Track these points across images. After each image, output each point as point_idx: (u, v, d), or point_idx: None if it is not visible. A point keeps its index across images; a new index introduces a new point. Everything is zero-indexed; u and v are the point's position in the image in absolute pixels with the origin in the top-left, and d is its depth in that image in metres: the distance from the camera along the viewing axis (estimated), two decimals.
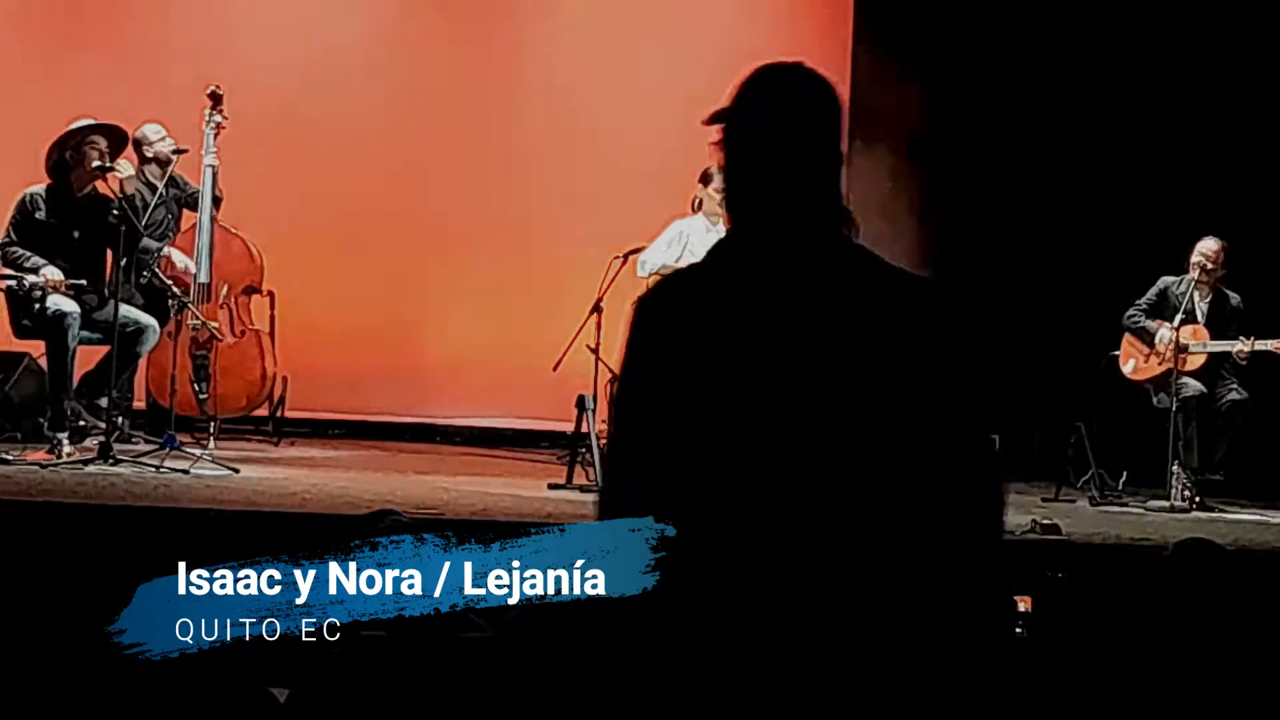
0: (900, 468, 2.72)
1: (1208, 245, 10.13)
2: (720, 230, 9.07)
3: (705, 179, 9.16)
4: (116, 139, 9.25)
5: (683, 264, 9.07)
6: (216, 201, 10.02)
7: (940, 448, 2.77)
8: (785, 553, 2.73)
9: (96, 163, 9.07)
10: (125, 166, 9.31)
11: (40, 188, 9.21)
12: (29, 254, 9.07)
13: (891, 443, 2.72)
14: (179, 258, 9.88)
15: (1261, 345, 9.94)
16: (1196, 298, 10.18)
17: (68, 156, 9.16)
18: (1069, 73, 12.07)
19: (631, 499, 2.84)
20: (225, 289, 10.14)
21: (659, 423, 2.77)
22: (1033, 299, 12.10)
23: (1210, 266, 10.10)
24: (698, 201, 9.18)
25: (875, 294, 2.78)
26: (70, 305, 8.96)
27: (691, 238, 9.12)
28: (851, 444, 2.71)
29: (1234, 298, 10.23)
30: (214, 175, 9.95)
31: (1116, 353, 10.38)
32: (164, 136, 9.80)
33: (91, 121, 9.24)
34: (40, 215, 9.16)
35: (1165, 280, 10.27)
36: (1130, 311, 10.30)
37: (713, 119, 2.89)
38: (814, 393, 2.72)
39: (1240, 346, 9.97)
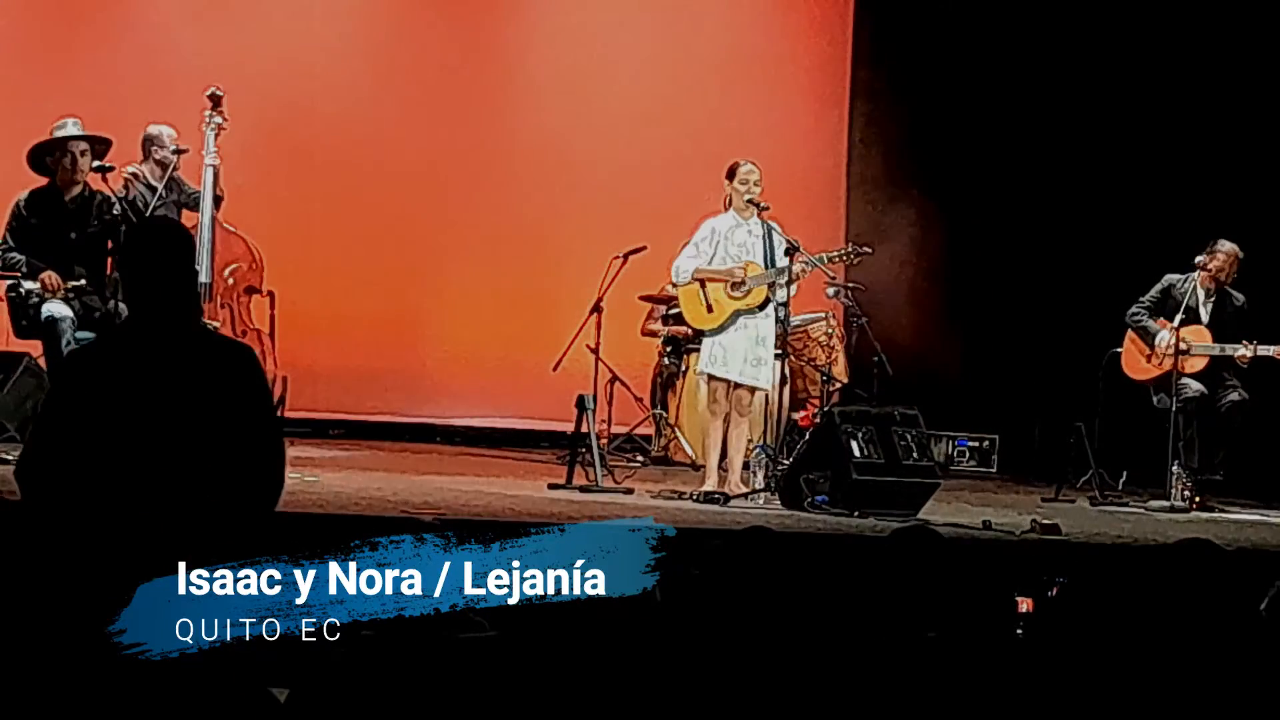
0: (213, 457, 4.51)
1: (1226, 248, 10.05)
2: (751, 225, 9.08)
3: (730, 174, 9.13)
4: (99, 144, 9.24)
5: (718, 263, 9.05)
6: (218, 201, 10.00)
7: (247, 443, 4.60)
8: (140, 509, 4.43)
9: (96, 163, 9.06)
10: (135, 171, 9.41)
11: (31, 191, 9.22)
12: (26, 259, 9.08)
13: (211, 443, 4.51)
14: None
15: (1264, 350, 9.93)
16: (1201, 297, 10.16)
17: (48, 161, 9.18)
18: (1072, 70, 12.06)
19: (39, 474, 4.54)
20: (226, 287, 10.13)
21: (65, 428, 4.52)
22: (1034, 298, 12.09)
23: (1224, 274, 10.05)
24: (728, 199, 9.14)
25: (210, 354, 4.65)
26: (63, 310, 8.96)
27: (722, 235, 9.09)
28: (187, 445, 4.49)
29: (1238, 298, 10.20)
30: (215, 174, 9.93)
31: (1118, 350, 10.35)
32: (174, 142, 9.79)
33: (74, 126, 9.22)
34: (34, 220, 9.16)
35: (1170, 278, 10.22)
36: (1133, 309, 10.26)
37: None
38: (166, 415, 4.48)
39: (1242, 351, 9.95)
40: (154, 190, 9.82)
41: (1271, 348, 9.93)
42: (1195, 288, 10.11)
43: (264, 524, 4.57)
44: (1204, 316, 10.17)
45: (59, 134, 9.22)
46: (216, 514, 4.46)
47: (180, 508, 4.44)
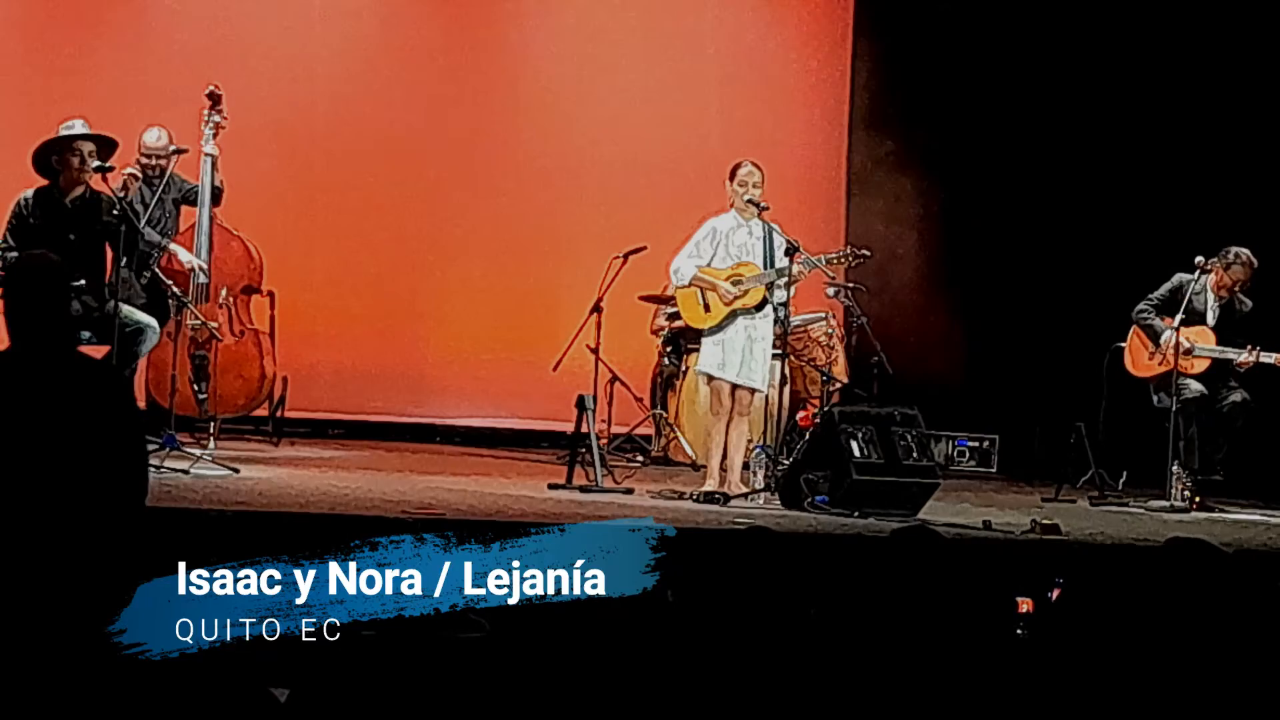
0: (79, 469, 4.74)
1: (1243, 259, 10.01)
2: (751, 225, 9.06)
3: (731, 175, 9.11)
4: (106, 145, 9.24)
5: (718, 263, 9.03)
6: (217, 192, 9.98)
7: (115, 454, 4.79)
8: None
9: (96, 163, 9.06)
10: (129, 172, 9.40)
11: (31, 191, 9.22)
12: None
13: (77, 455, 4.75)
14: (185, 255, 9.87)
15: (1266, 358, 9.91)
16: (1210, 300, 10.14)
17: (53, 161, 9.17)
18: (1075, 68, 12.04)
19: None
20: (225, 289, 10.14)
21: None
22: (1035, 299, 12.09)
23: (1240, 286, 10.02)
24: (731, 199, 9.11)
25: (78, 376, 4.96)
26: None
27: (723, 235, 9.07)
28: (56, 456, 4.75)
29: (1246, 303, 10.16)
30: (214, 163, 9.91)
31: (1121, 344, 10.32)
32: (160, 147, 9.77)
33: (82, 128, 9.23)
34: (35, 220, 9.17)
35: (1181, 277, 10.17)
36: (1141, 306, 10.22)
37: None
38: (36, 431, 4.77)
39: (1244, 357, 9.93)
40: (152, 188, 9.83)
41: (1273, 355, 9.91)
42: (1205, 290, 10.10)
43: (129, 528, 4.77)
44: (1210, 319, 10.14)
45: (66, 133, 9.22)
46: (83, 521, 4.67)
47: (51, 516, 4.67)
